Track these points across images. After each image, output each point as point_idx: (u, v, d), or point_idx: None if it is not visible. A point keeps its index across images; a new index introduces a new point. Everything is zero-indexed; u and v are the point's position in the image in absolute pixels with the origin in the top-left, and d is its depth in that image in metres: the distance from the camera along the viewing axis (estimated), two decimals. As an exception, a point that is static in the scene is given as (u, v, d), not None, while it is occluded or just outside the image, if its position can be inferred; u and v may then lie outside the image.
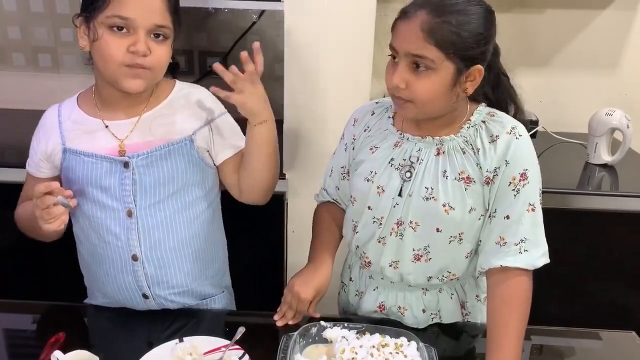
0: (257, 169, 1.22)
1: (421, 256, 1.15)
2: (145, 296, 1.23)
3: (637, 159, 2.02)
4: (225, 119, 1.26)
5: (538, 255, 1.07)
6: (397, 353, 1.01)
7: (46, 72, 2.26)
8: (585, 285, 1.85)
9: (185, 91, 1.24)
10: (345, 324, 1.10)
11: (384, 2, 1.77)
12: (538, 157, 1.96)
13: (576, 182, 1.85)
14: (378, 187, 1.15)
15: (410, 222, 1.13)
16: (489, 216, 1.10)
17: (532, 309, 1.87)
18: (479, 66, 1.04)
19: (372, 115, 1.22)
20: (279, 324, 1.18)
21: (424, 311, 1.21)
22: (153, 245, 1.20)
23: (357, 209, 1.21)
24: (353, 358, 1.00)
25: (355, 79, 1.69)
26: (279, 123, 1.82)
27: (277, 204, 1.79)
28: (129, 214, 1.18)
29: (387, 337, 1.05)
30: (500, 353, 1.02)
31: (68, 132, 1.20)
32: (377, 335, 1.05)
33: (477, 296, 1.24)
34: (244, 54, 1.15)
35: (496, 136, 1.07)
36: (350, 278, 1.32)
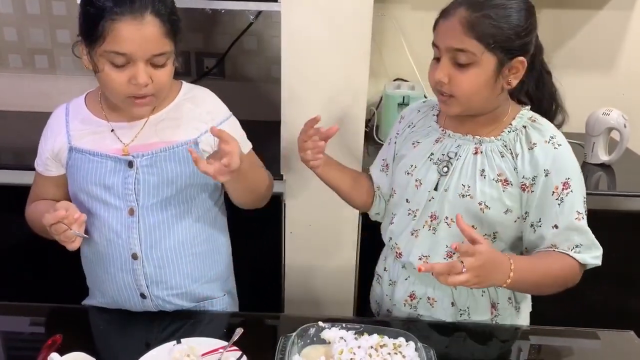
0: (235, 195, 1.27)
1: (454, 254, 1.13)
2: (143, 296, 1.23)
3: (635, 158, 2.02)
4: (230, 124, 1.26)
5: (591, 255, 1.10)
6: (396, 353, 1.01)
7: (43, 74, 2.26)
8: (583, 285, 1.83)
9: (192, 94, 1.24)
10: (344, 325, 1.09)
11: (381, 3, 1.77)
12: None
13: (574, 182, 1.85)
14: (416, 181, 1.18)
15: (446, 217, 1.15)
16: (532, 225, 1.11)
17: (533, 310, 1.87)
18: (521, 58, 1.06)
19: (417, 112, 1.27)
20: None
21: (452, 305, 1.22)
22: (153, 245, 1.20)
23: (396, 202, 1.25)
24: (351, 359, 0.99)
25: (352, 80, 1.69)
26: (277, 125, 1.83)
27: (274, 206, 1.78)
28: (131, 212, 1.18)
29: (386, 337, 1.05)
30: (521, 259, 1.07)
31: (75, 131, 1.21)
32: (375, 335, 1.05)
33: (509, 299, 1.23)
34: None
35: (534, 144, 1.09)
36: (385, 268, 1.33)
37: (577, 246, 1.08)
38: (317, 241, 1.80)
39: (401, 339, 1.04)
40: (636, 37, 2.16)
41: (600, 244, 1.79)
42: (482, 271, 0.95)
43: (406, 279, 1.26)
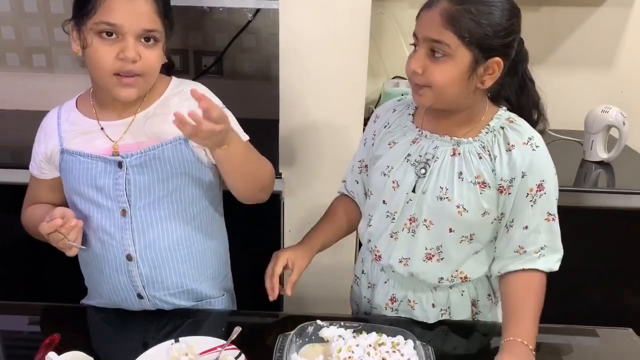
0: (232, 183, 1.21)
1: (433, 256, 1.16)
2: (140, 296, 1.22)
3: (633, 156, 2.02)
4: None
5: (554, 260, 1.11)
6: (394, 352, 1.00)
7: (41, 73, 2.25)
8: (582, 282, 1.85)
9: (180, 88, 1.22)
10: (342, 323, 1.09)
11: (380, 1, 1.77)
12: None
13: (572, 179, 1.85)
14: (393, 182, 1.17)
15: (425, 220, 1.14)
16: (505, 225, 1.12)
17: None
18: (498, 59, 1.04)
19: (393, 112, 1.25)
20: (272, 296, 1.20)
21: (433, 306, 1.22)
22: (147, 245, 1.19)
23: (372, 203, 1.23)
24: (350, 357, 0.99)
25: (351, 78, 1.69)
26: (275, 123, 1.83)
27: (273, 204, 1.78)
28: (123, 213, 1.17)
29: (384, 335, 1.05)
30: (520, 322, 1.05)
31: (66, 133, 1.21)
32: (373, 334, 1.05)
33: (488, 295, 1.24)
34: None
35: (512, 145, 1.08)
36: (363, 271, 1.33)
37: (542, 248, 1.10)
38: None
39: (399, 338, 1.04)
40: (635, 34, 2.16)
41: (600, 242, 1.81)
42: None
43: (385, 282, 1.25)
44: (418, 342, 1.03)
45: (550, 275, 1.82)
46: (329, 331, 1.07)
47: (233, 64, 2.21)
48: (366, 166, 1.30)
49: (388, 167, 1.18)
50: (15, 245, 1.81)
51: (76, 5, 1.12)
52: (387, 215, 1.19)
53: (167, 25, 1.14)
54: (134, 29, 1.08)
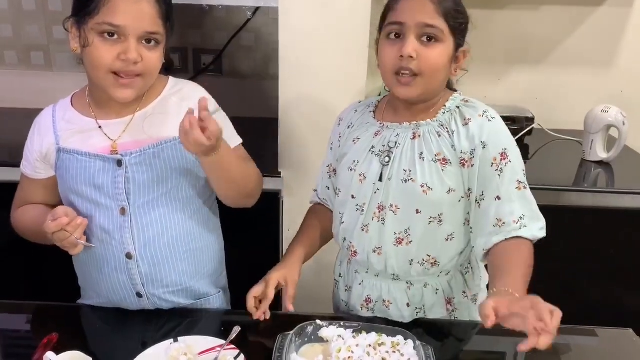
0: (218, 189, 1.23)
1: (402, 239, 1.16)
2: (139, 295, 1.22)
3: (633, 155, 2.02)
4: (217, 118, 1.23)
5: (537, 228, 1.09)
6: (394, 352, 1.00)
7: (39, 71, 2.24)
8: (581, 282, 1.85)
9: (178, 88, 1.23)
10: (342, 323, 1.09)
11: (379, -1, 1.76)
12: (534, 154, 1.99)
13: (572, 179, 1.85)
14: (360, 175, 1.18)
15: (391, 205, 1.15)
16: (476, 200, 1.11)
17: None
18: (465, 48, 1.11)
19: (355, 112, 1.27)
20: (257, 316, 1.18)
21: (408, 305, 1.22)
22: (147, 243, 1.19)
23: (342, 200, 1.24)
24: (349, 357, 0.99)
25: (351, 77, 1.68)
26: (274, 121, 1.82)
27: (272, 203, 1.78)
28: (122, 212, 1.17)
29: (384, 335, 1.05)
30: (507, 279, 0.99)
31: (62, 131, 1.20)
32: (373, 334, 1.05)
33: (464, 292, 1.24)
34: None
35: (468, 119, 1.10)
36: (340, 274, 1.34)
37: (521, 218, 1.07)
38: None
39: (399, 338, 1.04)
40: (635, 33, 2.16)
41: (599, 242, 1.81)
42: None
43: (360, 284, 1.25)
44: (418, 342, 1.03)
45: (548, 275, 1.83)
46: (329, 331, 1.07)
47: (232, 62, 2.20)
48: (334, 170, 1.31)
49: (354, 161, 1.20)
50: (12, 244, 1.80)
51: (77, 3, 1.11)
52: (357, 209, 1.19)
53: (169, 28, 1.14)
54: (136, 31, 1.08)
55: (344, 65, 1.67)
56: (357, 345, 1.01)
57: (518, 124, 2.00)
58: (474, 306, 1.25)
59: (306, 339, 1.08)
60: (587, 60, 2.18)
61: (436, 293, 1.21)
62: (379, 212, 1.16)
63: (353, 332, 1.06)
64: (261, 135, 1.90)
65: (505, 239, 1.07)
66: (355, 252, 1.22)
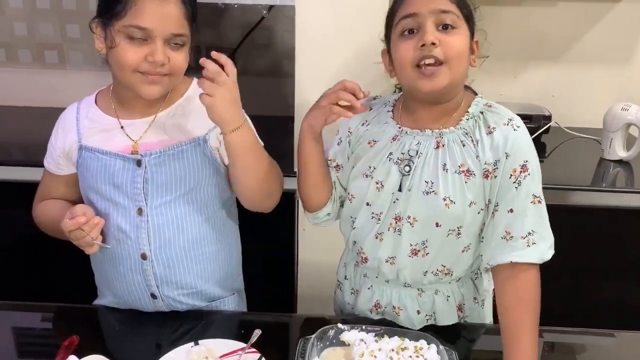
0: (241, 179, 1.18)
1: (418, 251, 1.13)
2: (153, 296, 1.22)
3: (654, 154, 1.99)
4: None
5: (546, 248, 1.05)
6: (417, 357, 0.99)
7: (53, 69, 2.25)
8: (600, 282, 1.83)
9: (201, 90, 1.22)
10: (363, 327, 1.08)
11: (396, -3, 1.74)
12: (551, 153, 1.97)
13: (590, 178, 1.82)
14: (377, 183, 1.13)
15: (409, 217, 1.11)
16: (492, 211, 1.08)
17: (545, 305, 1.86)
18: (477, 40, 1.09)
19: (369, 110, 1.20)
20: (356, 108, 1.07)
21: (418, 312, 1.20)
22: (163, 244, 1.19)
23: (354, 206, 1.18)
24: (372, 362, 0.98)
25: (368, 76, 1.67)
26: (288, 120, 1.81)
27: (288, 202, 1.77)
28: (140, 212, 1.17)
29: (406, 340, 1.03)
30: (518, 350, 1.02)
31: (84, 129, 1.20)
32: (395, 338, 1.03)
33: (474, 298, 1.22)
34: (213, 54, 1.06)
35: (493, 127, 1.06)
36: (345, 276, 1.30)
37: (529, 233, 1.04)
38: (330, 238, 1.77)
39: (422, 342, 1.02)
40: (655, 30, 2.12)
41: (618, 242, 1.79)
42: None
43: (369, 288, 1.23)
44: (441, 347, 1.02)
45: (566, 275, 1.81)
46: (350, 335, 1.05)
47: (246, 60, 2.19)
48: (337, 166, 1.23)
49: (370, 167, 1.14)
50: (27, 242, 1.81)
51: (103, 4, 1.10)
52: (373, 217, 1.15)
53: (194, 28, 1.14)
54: (163, 33, 1.08)
55: (360, 63, 1.65)
56: (379, 350, 1.00)
57: (535, 122, 1.98)
58: (482, 310, 1.25)
59: (327, 343, 1.06)
60: (605, 57, 2.14)
61: (447, 300, 1.19)
62: (396, 222, 1.13)
63: (375, 336, 1.05)
64: (275, 134, 1.89)
65: (511, 263, 1.04)
66: (366, 258, 1.19)
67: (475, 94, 1.14)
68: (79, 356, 0.99)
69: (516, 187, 1.04)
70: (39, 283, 1.90)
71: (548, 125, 1.99)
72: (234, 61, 2.32)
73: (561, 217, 1.71)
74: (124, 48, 1.08)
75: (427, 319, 1.20)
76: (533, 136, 1.95)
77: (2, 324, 1.23)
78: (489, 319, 1.27)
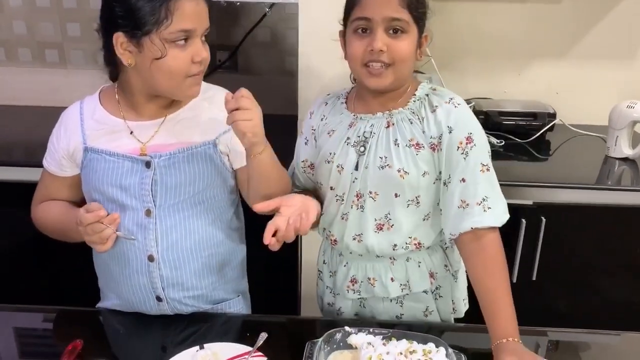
0: (262, 191, 1.19)
1: (383, 225, 1.19)
2: (159, 299, 1.21)
3: (659, 152, 1.98)
4: None
5: (501, 212, 1.12)
6: (426, 360, 0.98)
7: (53, 68, 2.23)
8: (604, 281, 1.82)
9: (210, 93, 1.22)
10: (371, 330, 1.07)
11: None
12: (555, 150, 1.96)
13: (595, 176, 1.81)
14: (337, 166, 1.21)
15: (370, 192, 1.18)
16: (444, 184, 1.15)
17: (549, 303, 1.84)
18: (426, 34, 1.17)
19: (325, 105, 1.29)
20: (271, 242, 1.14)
21: (392, 280, 1.24)
22: (170, 246, 1.18)
23: (323, 193, 1.26)
24: (380, 365, 0.97)
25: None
26: (290, 118, 1.80)
27: (291, 202, 1.76)
28: (148, 213, 1.16)
29: (415, 343, 1.02)
30: (499, 318, 1.07)
31: (90, 130, 1.19)
32: (404, 341, 1.02)
33: (446, 266, 1.27)
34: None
35: (436, 106, 1.16)
36: (324, 261, 1.35)
37: (484, 199, 1.11)
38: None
39: (431, 345, 1.01)
40: (660, 27, 2.10)
41: (624, 239, 1.78)
42: None
43: (344, 266, 1.28)
44: (450, 350, 1.01)
45: (570, 273, 1.79)
46: (358, 338, 1.04)
47: (248, 58, 2.18)
48: (311, 165, 1.30)
49: (330, 154, 1.22)
50: (28, 244, 1.80)
51: (133, 16, 1.05)
52: (337, 199, 1.22)
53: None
54: (201, 30, 1.10)
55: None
56: (387, 353, 0.99)
57: (539, 120, 1.97)
58: (454, 283, 1.29)
59: (335, 346, 1.06)
60: (610, 54, 2.13)
61: (419, 266, 1.24)
62: (357, 199, 1.19)
63: (383, 339, 1.04)
64: (277, 133, 1.87)
65: (472, 229, 1.10)
66: (335, 240, 1.25)
67: (420, 80, 1.23)
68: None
69: (464, 158, 1.12)
70: (40, 285, 1.89)
71: (553, 123, 1.98)
72: (235, 59, 2.33)
73: (566, 215, 1.71)
74: (175, 56, 1.07)
75: (402, 288, 1.24)
76: (538, 133, 1.96)
77: (6, 326, 1.22)
78: (463, 294, 1.32)
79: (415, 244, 1.20)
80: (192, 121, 1.18)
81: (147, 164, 1.15)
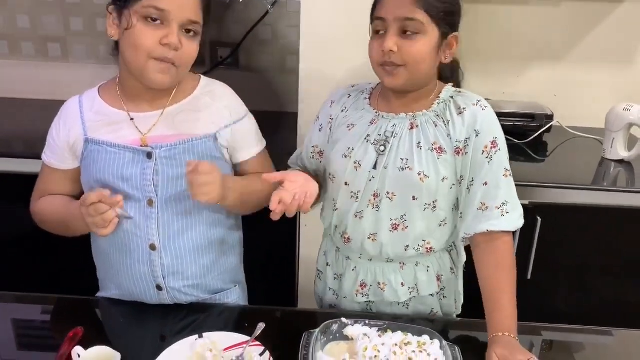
0: (250, 209, 1.31)
1: (398, 225, 1.19)
2: (159, 288, 1.23)
3: (655, 155, 1.99)
4: (246, 122, 1.27)
5: (517, 217, 1.14)
6: (421, 351, 0.99)
7: (55, 62, 2.24)
8: (600, 281, 1.84)
9: (210, 88, 1.24)
10: (367, 322, 1.08)
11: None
12: (552, 152, 1.98)
13: (591, 178, 1.83)
14: (355, 162, 1.20)
15: (387, 192, 1.18)
16: (467, 186, 1.16)
17: (546, 303, 1.85)
18: (456, 34, 1.15)
19: (348, 97, 1.29)
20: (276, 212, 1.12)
21: (402, 284, 1.25)
22: (172, 236, 1.20)
23: (335, 187, 1.25)
24: (376, 356, 0.98)
25: (370, 71, 1.67)
26: (291, 115, 1.82)
27: (289, 198, 1.78)
28: (150, 203, 1.18)
29: (410, 335, 1.04)
30: (501, 313, 1.09)
31: (90, 122, 1.20)
32: (399, 333, 1.04)
33: (451, 269, 1.28)
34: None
35: (463, 108, 1.15)
36: (327, 263, 1.35)
37: (503, 204, 1.12)
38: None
39: (425, 337, 1.03)
40: (658, 31, 2.12)
41: (619, 240, 1.80)
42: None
43: (353, 270, 1.28)
44: (444, 342, 1.02)
45: (566, 274, 1.81)
46: (354, 329, 1.06)
47: (249, 56, 2.19)
48: (320, 152, 1.31)
49: (349, 148, 1.21)
50: (29, 235, 1.81)
51: None
52: (352, 196, 1.21)
53: (207, 21, 1.16)
54: (179, 18, 1.10)
55: (364, 60, 1.65)
56: (383, 344, 1.00)
57: (537, 121, 1.99)
58: (457, 281, 1.31)
59: (331, 337, 1.07)
60: (608, 57, 2.15)
61: (427, 271, 1.25)
62: (374, 199, 1.19)
63: (379, 331, 1.06)
64: (277, 129, 1.90)
65: (487, 232, 1.12)
66: (348, 238, 1.24)
67: (447, 83, 1.22)
68: (84, 347, 0.99)
69: (488, 162, 1.13)
70: (40, 276, 1.90)
71: (550, 125, 2.00)
72: (237, 56, 2.35)
73: (562, 216, 1.73)
74: (140, 29, 1.09)
75: (410, 291, 1.25)
76: (535, 135, 1.98)
77: (7, 315, 1.23)
78: (461, 288, 1.34)
79: (427, 248, 1.21)
80: (192, 115, 1.20)
81: (149, 155, 1.17)
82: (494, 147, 1.13)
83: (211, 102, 1.22)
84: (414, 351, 0.99)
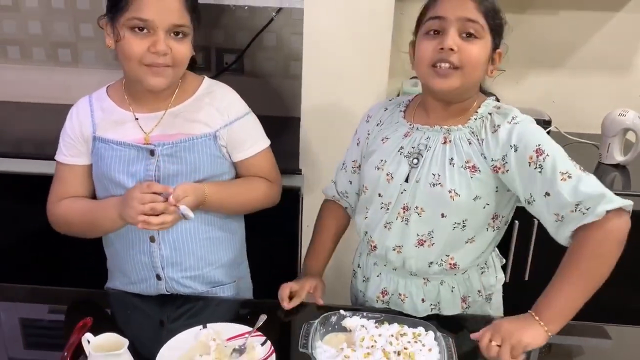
0: (240, 210, 1.36)
1: (424, 241, 1.17)
2: (158, 277, 1.28)
3: (650, 159, 2.02)
4: (247, 121, 1.30)
5: (604, 204, 1.00)
6: (415, 342, 1.03)
7: (66, 67, 2.29)
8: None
9: (212, 89, 1.28)
10: (364, 314, 1.12)
11: (402, 2, 1.79)
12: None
13: (588, 182, 1.85)
14: (387, 174, 1.19)
15: (416, 207, 1.16)
16: (528, 202, 1.09)
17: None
18: (500, 51, 1.11)
19: (385, 110, 1.27)
20: (287, 306, 1.22)
21: (423, 300, 1.24)
22: (170, 229, 1.22)
23: (368, 197, 1.24)
24: (372, 346, 1.02)
25: (372, 78, 1.71)
26: (294, 120, 1.85)
27: (292, 199, 1.81)
28: None
29: (405, 326, 1.07)
30: (545, 296, 1.04)
31: (99, 120, 1.26)
32: (395, 325, 1.08)
33: (479, 291, 1.25)
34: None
35: (498, 126, 1.09)
36: (359, 265, 1.36)
37: (577, 205, 1.01)
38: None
39: (420, 329, 1.07)
40: (653, 39, 2.16)
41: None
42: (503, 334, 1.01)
43: (378, 276, 1.28)
44: (439, 333, 1.06)
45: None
46: (352, 321, 1.10)
47: (254, 62, 2.24)
48: (359, 166, 1.31)
49: (382, 161, 1.20)
50: (40, 234, 1.85)
51: (109, 1, 1.17)
52: (382, 207, 1.21)
53: (195, 19, 1.19)
54: (164, 24, 1.13)
55: (366, 66, 1.70)
56: (379, 335, 1.04)
57: (535, 127, 2.02)
58: (487, 304, 1.28)
59: (330, 328, 1.11)
60: (605, 64, 2.19)
61: (452, 291, 1.23)
62: (404, 212, 1.17)
63: (376, 323, 1.09)
64: (281, 134, 1.93)
65: (584, 225, 1.02)
66: (374, 246, 1.24)
67: (488, 96, 1.18)
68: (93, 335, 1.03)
69: (539, 172, 1.04)
70: (49, 272, 1.93)
71: (548, 130, 2.02)
72: (242, 62, 2.38)
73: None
74: (128, 40, 1.14)
75: (431, 308, 1.24)
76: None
77: (17, 310, 1.28)
78: (495, 311, 1.30)
79: (450, 264, 1.18)
80: (193, 115, 1.25)
81: (152, 152, 1.21)
82: (540, 154, 1.04)
83: (212, 102, 1.26)
84: (409, 342, 1.03)
